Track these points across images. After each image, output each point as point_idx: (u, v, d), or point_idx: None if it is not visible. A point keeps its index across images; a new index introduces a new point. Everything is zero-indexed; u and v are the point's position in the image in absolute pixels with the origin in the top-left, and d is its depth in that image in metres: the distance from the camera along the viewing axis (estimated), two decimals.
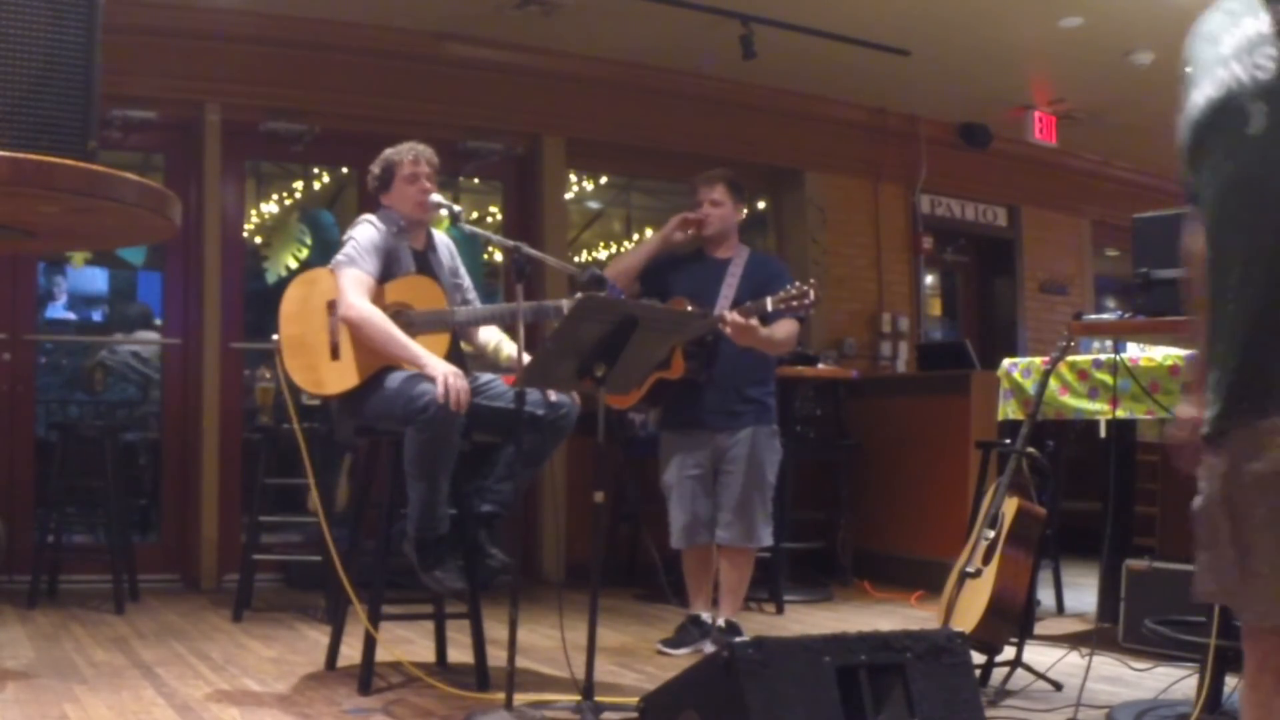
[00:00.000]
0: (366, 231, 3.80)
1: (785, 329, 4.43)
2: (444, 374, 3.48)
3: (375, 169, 3.95)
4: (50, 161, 2.10)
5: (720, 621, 4.58)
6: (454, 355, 3.81)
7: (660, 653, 4.42)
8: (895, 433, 6.60)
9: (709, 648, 4.46)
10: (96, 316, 8.24)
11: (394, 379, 3.59)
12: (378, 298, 3.72)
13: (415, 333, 3.69)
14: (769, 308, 4.19)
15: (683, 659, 4.32)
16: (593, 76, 6.88)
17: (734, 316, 4.22)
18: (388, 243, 3.81)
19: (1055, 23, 6.18)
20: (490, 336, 4.01)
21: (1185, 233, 1.93)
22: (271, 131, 6.20)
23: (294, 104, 6.20)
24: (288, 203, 7.88)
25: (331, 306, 3.73)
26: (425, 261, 3.94)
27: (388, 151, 3.96)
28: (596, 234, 8.94)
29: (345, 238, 3.84)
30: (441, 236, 4.12)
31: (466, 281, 4.12)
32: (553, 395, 3.72)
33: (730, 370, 4.46)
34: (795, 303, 4.15)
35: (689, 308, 4.36)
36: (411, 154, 3.91)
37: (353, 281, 3.69)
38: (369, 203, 6.65)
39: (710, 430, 4.48)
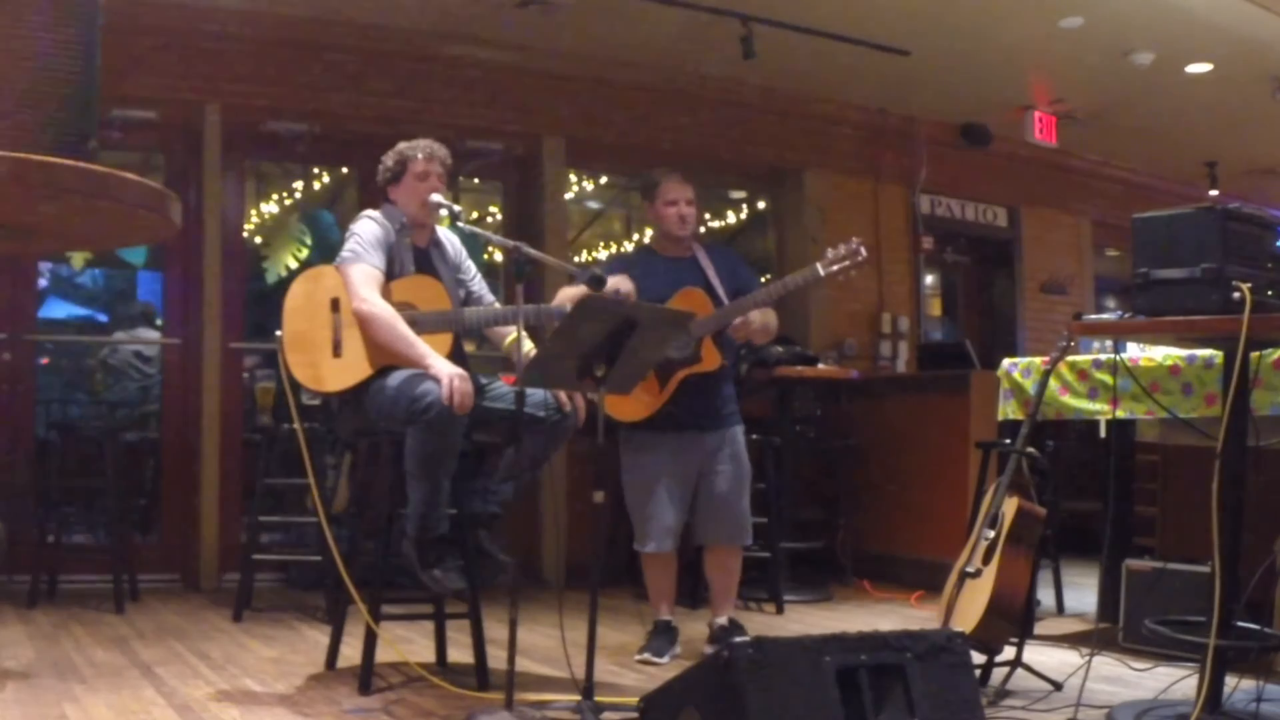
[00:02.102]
0: (369, 227, 3.79)
1: (770, 315, 4.42)
2: (449, 375, 3.47)
3: (388, 161, 3.94)
4: (50, 161, 2.09)
5: (723, 620, 4.57)
6: (457, 356, 3.80)
7: (645, 663, 4.30)
8: (895, 433, 6.60)
9: (679, 650, 4.45)
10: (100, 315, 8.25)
11: (396, 378, 3.58)
12: (383, 296, 3.71)
13: (420, 332, 3.69)
14: (820, 272, 4.21)
15: (669, 664, 4.31)
16: (593, 76, 6.88)
17: (751, 315, 4.26)
18: (390, 238, 3.81)
19: (1055, 23, 6.18)
20: (510, 333, 3.89)
21: None
22: (271, 131, 6.20)
23: (294, 104, 6.20)
24: (288, 203, 7.89)
25: (335, 304, 3.72)
26: (426, 259, 3.93)
27: (402, 145, 3.94)
28: (596, 234, 8.94)
29: (348, 233, 3.83)
30: (447, 233, 4.10)
31: (472, 275, 4.09)
32: (565, 404, 3.71)
33: (715, 375, 4.41)
34: (848, 261, 4.21)
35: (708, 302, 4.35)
36: (426, 151, 3.90)
37: (363, 276, 3.68)
38: (369, 202, 6.65)
39: (699, 431, 4.39)
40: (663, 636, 4.44)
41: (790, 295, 4.43)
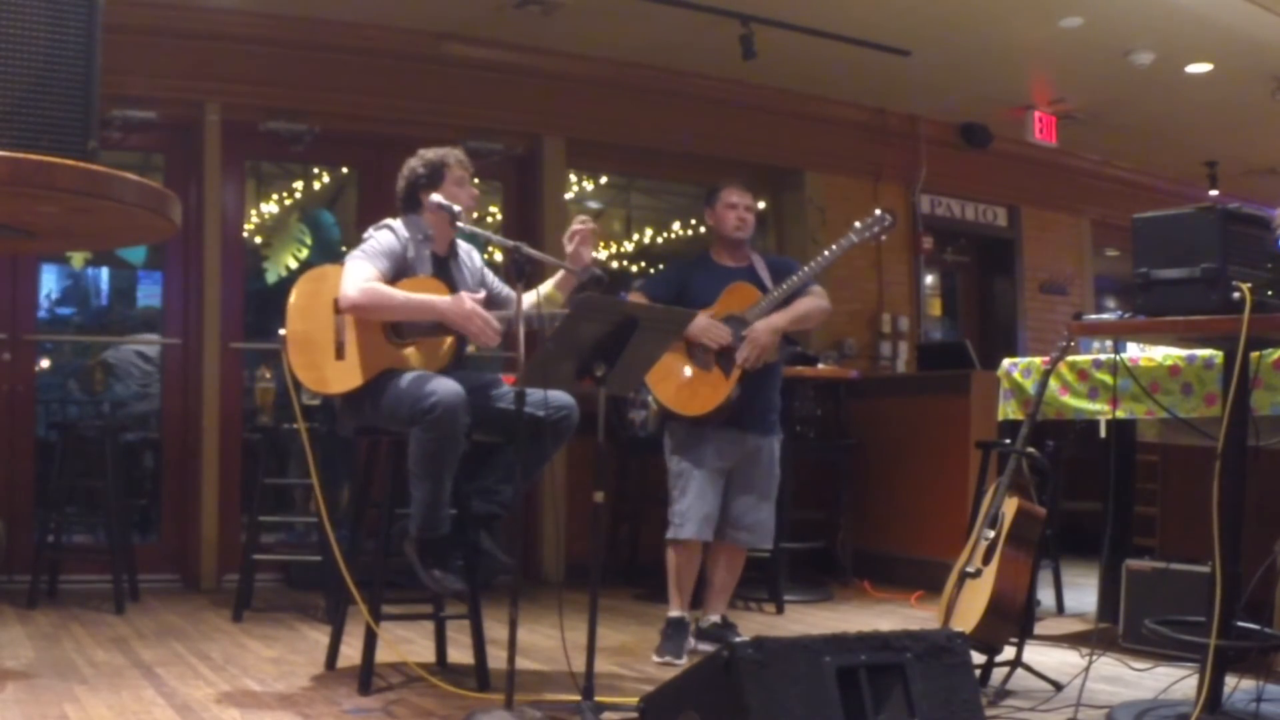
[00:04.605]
0: (384, 236, 3.76)
1: (806, 304, 4.47)
2: (463, 312, 3.51)
3: (420, 168, 3.86)
4: (50, 161, 2.10)
5: (716, 618, 4.57)
6: (457, 357, 3.80)
7: (666, 664, 4.29)
8: (895, 433, 6.60)
9: (699, 647, 4.44)
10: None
11: (399, 381, 3.58)
12: None
13: (420, 333, 3.69)
14: (854, 239, 4.43)
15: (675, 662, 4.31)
16: (593, 76, 6.88)
17: (760, 330, 4.32)
18: (406, 250, 3.76)
19: (1055, 23, 6.18)
20: (529, 298, 3.82)
21: None
22: (271, 131, 6.20)
23: (294, 104, 6.20)
24: (288, 203, 7.89)
25: (338, 304, 3.72)
26: (444, 268, 3.89)
27: (432, 152, 3.88)
28: (597, 234, 8.93)
29: (365, 236, 3.81)
30: (466, 245, 4.06)
31: (493, 281, 4.07)
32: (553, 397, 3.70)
33: (765, 375, 4.46)
34: (877, 228, 4.45)
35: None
36: (457, 157, 3.87)
37: (353, 273, 3.65)
38: (369, 202, 6.63)
39: (743, 430, 4.44)
40: (677, 635, 4.42)
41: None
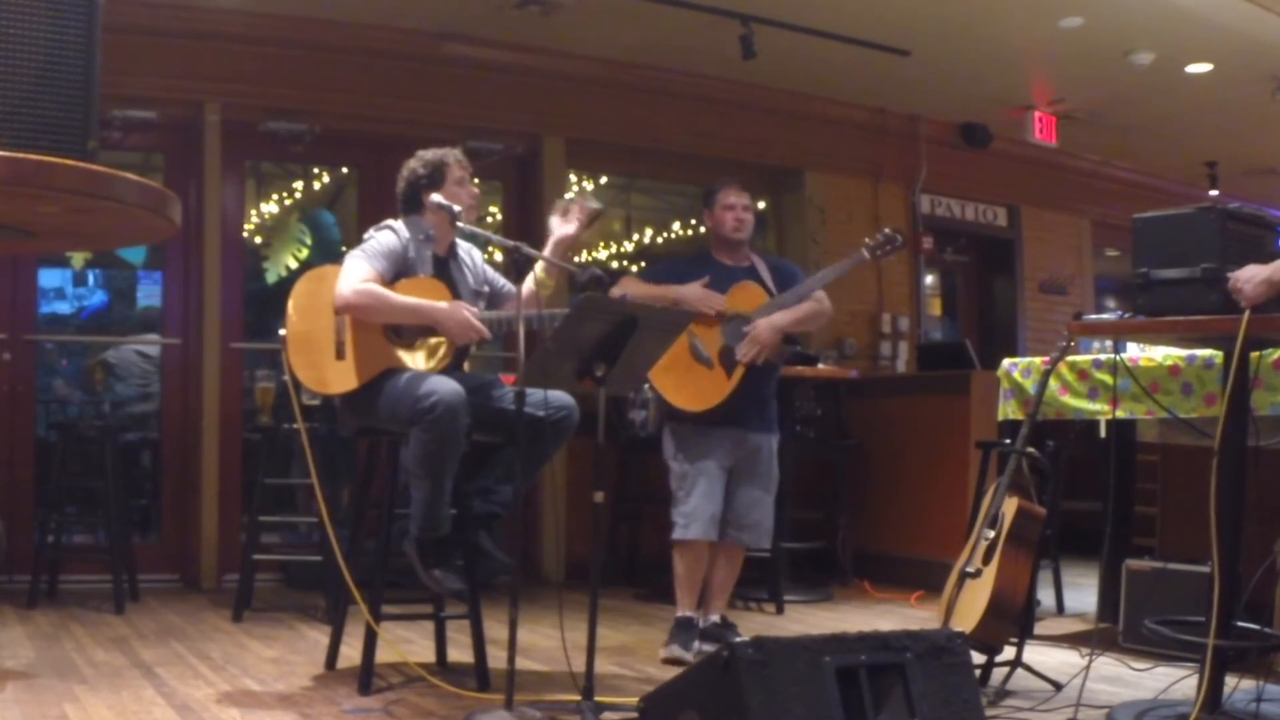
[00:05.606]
0: (386, 237, 3.76)
1: (808, 306, 4.48)
2: (455, 319, 3.53)
3: (420, 169, 3.86)
4: (50, 161, 2.10)
5: (715, 618, 4.57)
6: (458, 357, 3.79)
7: (673, 661, 4.27)
8: (895, 433, 6.60)
9: (700, 647, 4.44)
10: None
11: (399, 381, 3.58)
12: None
13: (420, 334, 3.68)
14: (866, 255, 4.44)
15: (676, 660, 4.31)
16: (593, 76, 6.88)
17: (762, 327, 4.33)
18: (407, 250, 3.76)
19: (1055, 23, 6.18)
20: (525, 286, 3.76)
21: None
22: (271, 131, 6.19)
23: (294, 104, 6.20)
24: (288, 203, 7.89)
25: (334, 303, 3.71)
26: (444, 269, 3.89)
27: (431, 153, 3.88)
28: (596, 234, 8.93)
29: (365, 237, 3.81)
30: (466, 245, 4.06)
31: (501, 284, 4.07)
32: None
33: (765, 373, 4.47)
34: (889, 246, 4.46)
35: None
36: (457, 157, 3.87)
37: (349, 272, 3.65)
38: (369, 202, 6.63)
39: (743, 429, 4.44)
40: (686, 632, 4.41)
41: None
